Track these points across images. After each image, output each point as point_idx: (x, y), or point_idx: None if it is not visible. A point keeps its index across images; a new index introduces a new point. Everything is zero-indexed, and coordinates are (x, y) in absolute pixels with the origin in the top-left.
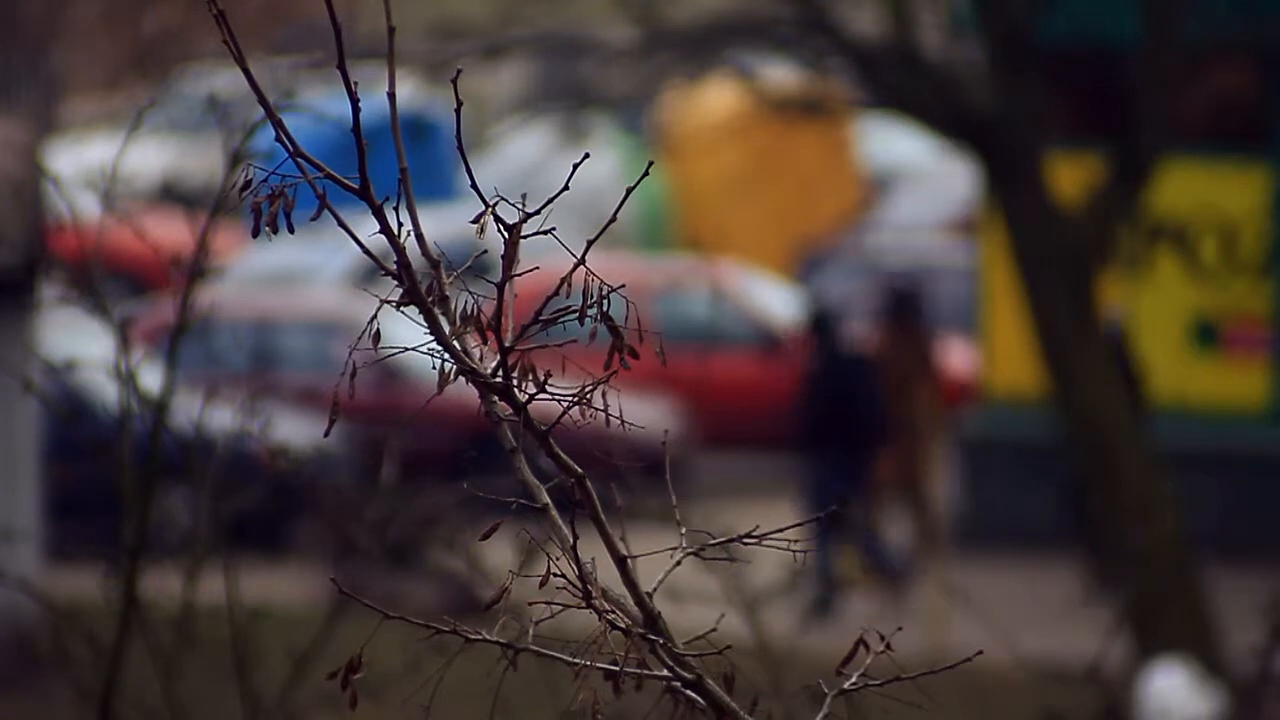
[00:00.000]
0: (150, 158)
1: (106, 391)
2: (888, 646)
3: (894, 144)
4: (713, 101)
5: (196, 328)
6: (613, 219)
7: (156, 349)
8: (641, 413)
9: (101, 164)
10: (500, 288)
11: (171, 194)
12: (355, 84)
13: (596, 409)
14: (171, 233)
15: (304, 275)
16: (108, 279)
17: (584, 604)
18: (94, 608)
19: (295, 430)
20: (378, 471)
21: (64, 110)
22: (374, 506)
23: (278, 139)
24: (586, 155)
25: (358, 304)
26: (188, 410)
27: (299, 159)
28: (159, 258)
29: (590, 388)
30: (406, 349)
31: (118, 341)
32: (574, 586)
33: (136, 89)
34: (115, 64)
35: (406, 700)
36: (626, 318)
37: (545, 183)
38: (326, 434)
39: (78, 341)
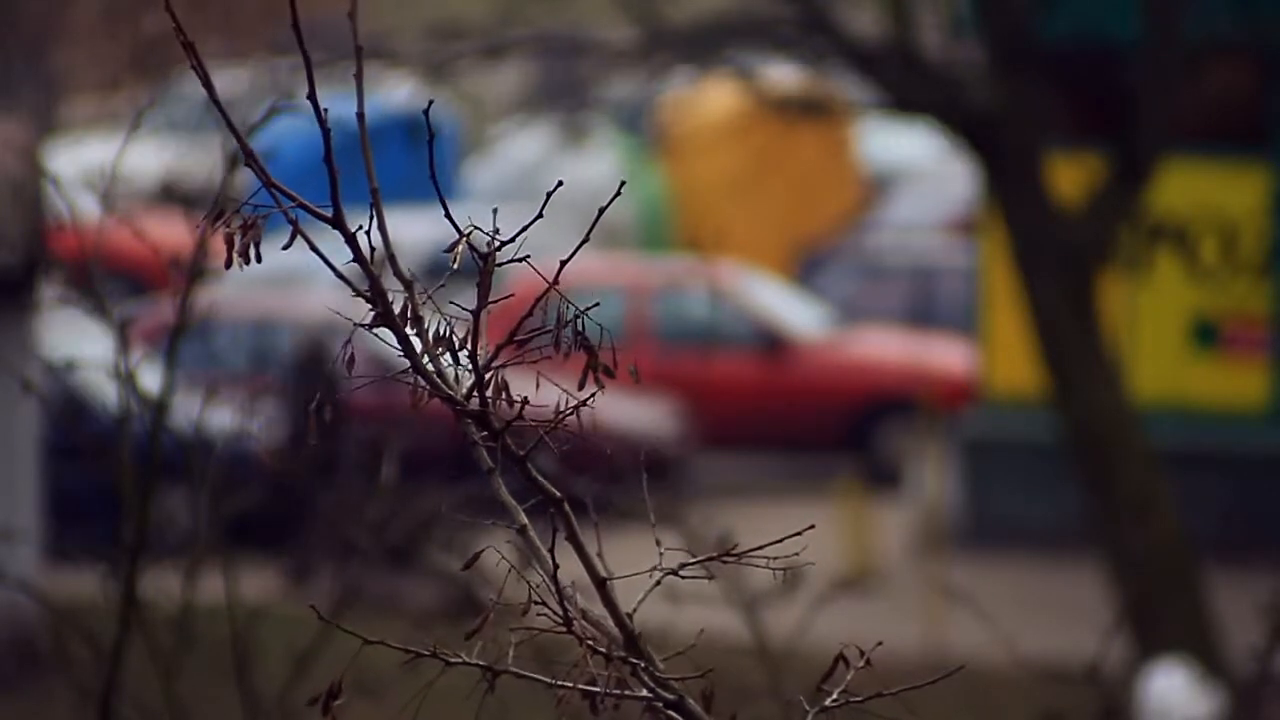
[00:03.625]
0: (150, 158)
1: (106, 391)
2: (868, 662)
3: (894, 144)
4: (713, 101)
5: (196, 328)
6: (594, 225)
7: (156, 349)
8: (640, 414)
9: (101, 164)
10: (475, 314)
11: (171, 194)
12: (325, 111)
13: (573, 433)
14: (171, 233)
15: (304, 276)
16: (108, 279)
17: (564, 629)
18: (94, 608)
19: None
20: (377, 472)
21: (64, 110)
22: (373, 507)
23: (248, 164)
24: (560, 183)
25: (357, 305)
26: (188, 410)
27: (272, 188)
28: (159, 258)
29: (568, 411)
30: (384, 377)
31: (118, 341)
32: (554, 612)
33: (136, 89)
34: (115, 64)
35: (404, 706)
36: (603, 330)
37: (545, 182)
38: (312, 443)
39: (78, 341)
